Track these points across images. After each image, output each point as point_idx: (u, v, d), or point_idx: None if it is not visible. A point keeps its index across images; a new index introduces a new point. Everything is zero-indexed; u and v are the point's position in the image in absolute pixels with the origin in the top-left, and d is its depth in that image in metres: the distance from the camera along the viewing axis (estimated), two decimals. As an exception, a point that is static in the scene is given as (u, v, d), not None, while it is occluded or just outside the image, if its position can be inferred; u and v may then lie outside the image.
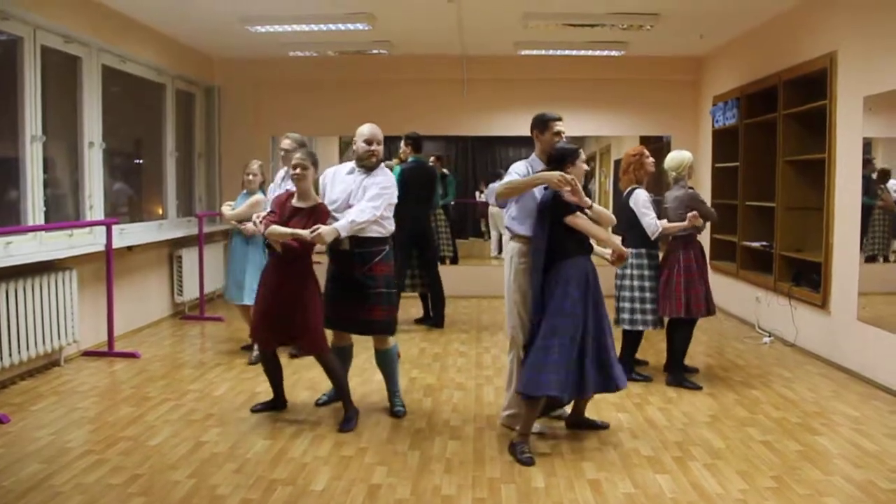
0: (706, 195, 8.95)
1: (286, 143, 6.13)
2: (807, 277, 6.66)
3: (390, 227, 4.84)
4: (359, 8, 7.10)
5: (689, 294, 5.53)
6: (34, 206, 5.94)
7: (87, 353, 6.44)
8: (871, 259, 5.88)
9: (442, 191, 9.18)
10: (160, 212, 8.47)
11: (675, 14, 7.16)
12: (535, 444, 4.34)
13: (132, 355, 6.40)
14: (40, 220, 6.01)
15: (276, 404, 4.99)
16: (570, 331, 4.08)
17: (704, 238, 8.99)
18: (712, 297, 5.77)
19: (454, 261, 9.99)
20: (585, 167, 4.39)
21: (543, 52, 8.89)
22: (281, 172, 6.31)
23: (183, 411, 4.94)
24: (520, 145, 10.66)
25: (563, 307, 4.11)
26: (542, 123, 4.58)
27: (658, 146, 9.48)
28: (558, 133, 4.52)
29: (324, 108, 9.55)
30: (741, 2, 6.76)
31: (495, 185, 4.52)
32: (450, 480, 3.85)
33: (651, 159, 5.67)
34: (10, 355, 5.42)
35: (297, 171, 4.60)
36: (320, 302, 4.71)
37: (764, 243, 7.51)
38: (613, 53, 8.86)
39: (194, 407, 5.04)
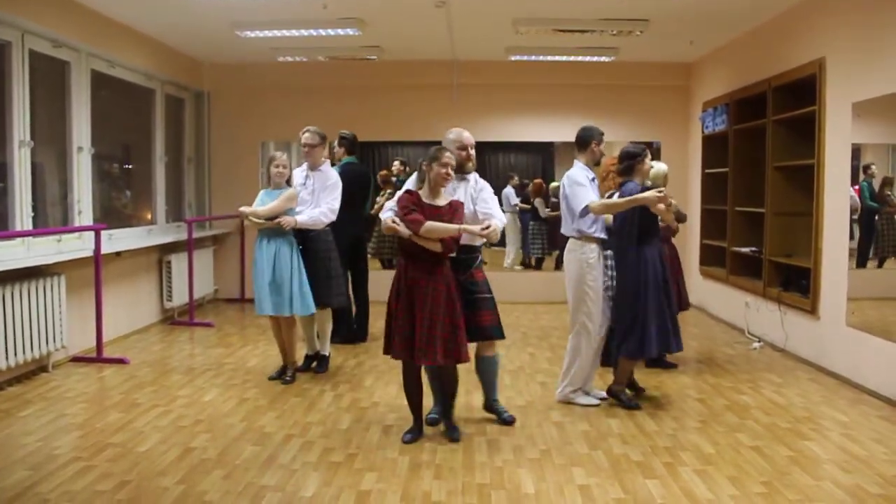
0: (696, 200, 9.02)
1: (307, 136, 5.91)
2: (796, 283, 6.68)
3: None
4: (349, 13, 7.09)
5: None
6: (22, 212, 5.91)
7: (76, 359, 6.40)
8: (881, 262, 5.96)
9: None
10: (149, 217, 8.44)
11: (665, 20, 7.17)
12: (525, 450, 4.35)
13: (121, 361, 6.36)
14: (28, 226, 5.98)
15: (420, 428, 4.60)
16: (660, 298, 5.01)
17: (694, 243, 9.07)
18: (686, 294, 6.38)
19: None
20: (651, 165, 5.29)
21: (534, 57, 8.90)
22: (300, 171, 6.04)
23: (172, 417, 4.91)
24: (510, 150, 10.69)
25: (653, 280, 5.00)
26: (599, 136, 5.26)
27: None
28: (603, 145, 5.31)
29: (314, 113, 9.46)
30: (731, 8, 6.79)
31: (592, 201, 5.02)
32: (439, 486, 3.83)
33: None
34: (-2, 361, 5.39)
35: (447, 170, 4.37)
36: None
37: (753, 249, 7.53)
38: (604, 59, 8.87)
39: (183, 413, 5.01)
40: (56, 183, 6.70)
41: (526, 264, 10.42)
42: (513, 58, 8.87)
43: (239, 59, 9.26)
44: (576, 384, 5.25)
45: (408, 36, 8.18)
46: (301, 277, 5.68)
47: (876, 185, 5.87)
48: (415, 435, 4.54)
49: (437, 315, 4.30)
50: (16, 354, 5.57)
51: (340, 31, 7.54)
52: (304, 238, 5.83)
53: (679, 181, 9.16)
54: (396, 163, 10.06)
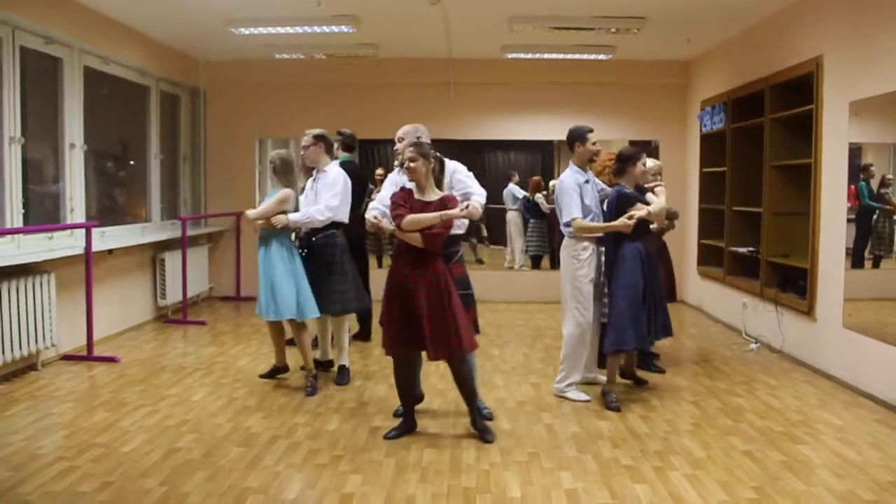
0: (693, 200, 8.95)
1: (303, 139, 5.78)
2: (793, 283, 6.61)
3: (465, 223, 4.92)
4: (343, 10, 7.04)
5: None
6: (12, 209, 5.86)
7: (66, 357, 6.36)
8: (877, 260, 5.86)
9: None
10: (144, 214, 8.39)
11: (662, 18, 7.12)
12: (512, 453, 4.30)
13: (111, 359, 6.32)
14: (19, 223, 5.93)
15: (408, 427, 4.62)
16: (636, 296, 5.11)
17: (691, 243, 9.01)
18: (667, 288, 6.25)
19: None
20: (644, 168, 5.31)
21: (531, 55, 8.83)
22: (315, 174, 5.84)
23: (158, 417, 4.87)
24: (509, 149, 10.63)
25: (630, 278, 5.13)
26: (581, 137, 5.30)
27: (646, 150, 9.46)
28: (594, 143, 5.34)
29: (310, 110, 9.48)
30: (728, 6, 6.72)
31: (575, 218, 5.20)
32: (424, 490, 3.78)
33: None
34: (-14, 359, 5.35)
35: (408, 164, 4.41)
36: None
37: (751, 249, 7.46)
38: (601, 57, 8.81)
39: (170, 412, 4.96)
40: (48, 180, 6.65)
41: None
42: (509, 55, 8.81)
43: (235, 56, 9.21)
44: (572, 376, 5.35)
45: (403, 34, 8.12)
46: (297, 282, 5.43)
47: (875, 184, 5.80)
48: (399, 432, 4.55)
49: (433, 310, 4.30)
50: (4, 353, 5.53)
51: (335, 29, 7.48)
52: (309, 242, 5.69)
53: (677, 180, 9.10)
54: (397, 162, 10.00)
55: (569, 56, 8.78)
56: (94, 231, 6.54)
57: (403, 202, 4.38)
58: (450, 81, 9.44)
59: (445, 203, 4.37)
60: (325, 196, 5.65)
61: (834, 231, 5.92)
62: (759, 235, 7.14)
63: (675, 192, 8.21)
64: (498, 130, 9.65)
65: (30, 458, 4.10)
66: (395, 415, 4.90)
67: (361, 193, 7.14)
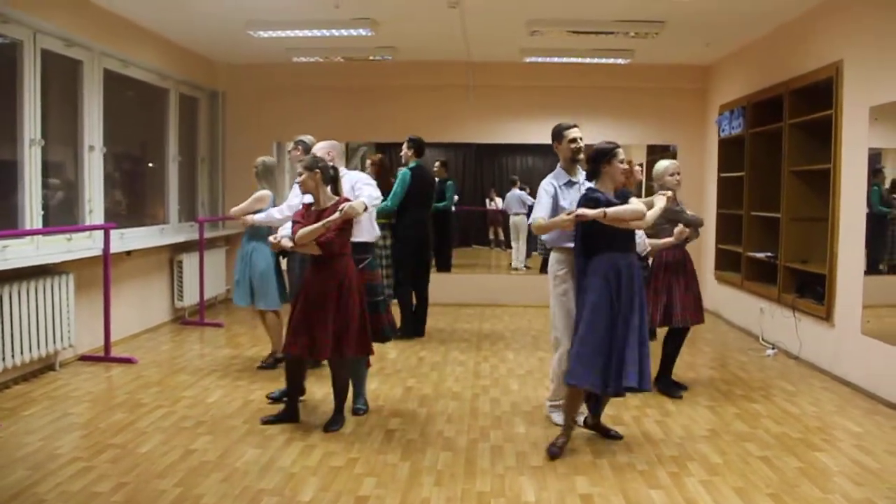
0: (711, 204, 8.89)
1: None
2: (811, 289, 6.56)
3: (376, 231, 5.18)
4: (361, 13, 7.06)
5: (665, 302, 5.46)
6: (32, 210, 5.91)
7: (84, 358, 6.40)
8: (893, 269, 5.80)
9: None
10: (162, 216, 8.44)
11: (681, 22, 7.08)
12: (528, 457, 4.28)
13: (129, 360, 6.35)
14: (38, 224, 5.98)
15: (292, 416, 4.86)
16: (599, 324, 4.14)
17: (709, 247, 8.94)
18: (689, 306, 5.49)
19: (441, 267, 9.94)
20: (623, 166, 4.37)
21: (549, 59, 8.81)
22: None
23: (175, 418, 4.89)
24: (527, 153, 10.63)
25: (592, 301, 4.18)
26: (558, 135, 4.78)
27: (666, 156, 9.41)
28: (573, 140, 4.71)
29: (328, 113, 9.51)
30: (747, 10, 6.68)
31: (535, 218, 4.60)
32: (439, 493, 3.78)
33: (638, 168, 6.13)
34: (4, 359, 5.38)
35: (297, 180, 4.73)
36: (365, 303, 4.77)
37: (768, 254, 7.42)
38: (620, 61, 8.78)
39: (186, 414, 4.98)
40: (67, 182, 6.70)
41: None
42: (528, 59, 8.79)
43: (254, 60, 9.26)
44: (559, 397, 4.79)
45: (422, 37, 8.13)
46: (260, 275, 6.03)
47: (892, 191, 5.75)
48: (280, 418, 4.83)
49: (328, 311, 4.53)
50: (23, 353, 5.56)
51: (353, 32, 7.49)
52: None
53: (695, 185, 9.05)
54: (437, 164, 9.96)
55: (587, 60, 8.75)
56: (113, 232, 6.58)
57: (301, 218, 4.66)
58: (468, 84, 9.44)
59: (338, 206, 4.58)
60: (290, 195, 5.86)
61: (853, 237, 5.87)
62: (776, 241, 7.09)
63: (693, 197, 8.18)
64: (516, 134, 9.64)
65: (47, 458, 4.13)
66: (269, 397, 5.31)
67: (426, 196, 7.53)
